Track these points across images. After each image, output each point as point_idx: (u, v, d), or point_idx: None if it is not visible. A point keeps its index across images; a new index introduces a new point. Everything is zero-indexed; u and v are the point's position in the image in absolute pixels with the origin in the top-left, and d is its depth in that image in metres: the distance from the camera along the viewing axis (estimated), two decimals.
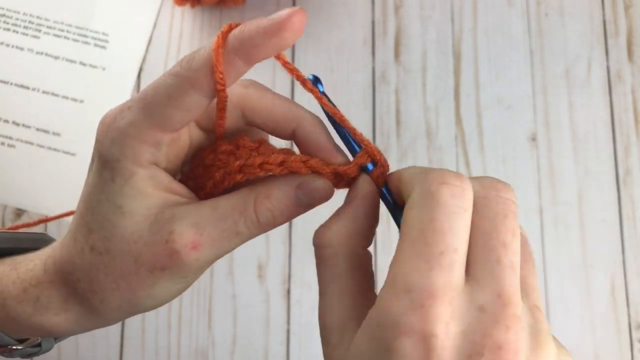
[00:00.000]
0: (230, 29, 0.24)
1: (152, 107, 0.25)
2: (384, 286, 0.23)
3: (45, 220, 0.46)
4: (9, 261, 0.30)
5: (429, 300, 0.21)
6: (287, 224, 0.54)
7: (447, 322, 0.21)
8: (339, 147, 0.28)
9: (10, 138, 0.55)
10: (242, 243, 0.27)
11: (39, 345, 0.31)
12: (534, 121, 0.58)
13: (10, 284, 0.29)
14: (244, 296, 0.53)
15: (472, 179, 0.24)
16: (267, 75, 0.58)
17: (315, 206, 0.27)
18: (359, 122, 0.57)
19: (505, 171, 0.57)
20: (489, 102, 0.58)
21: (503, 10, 0.60)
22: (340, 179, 0.28)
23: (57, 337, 0.33)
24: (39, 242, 0.32)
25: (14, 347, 0.30)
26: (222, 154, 0.27)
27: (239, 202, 0.26)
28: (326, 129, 0.29)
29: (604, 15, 0.60)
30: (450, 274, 0.22)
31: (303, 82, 0.27)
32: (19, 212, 0.54)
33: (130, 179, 0.25)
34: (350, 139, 0.28)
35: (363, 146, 0.28)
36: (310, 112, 0.28)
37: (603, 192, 0.57)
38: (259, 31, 0.24)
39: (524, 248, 0.24)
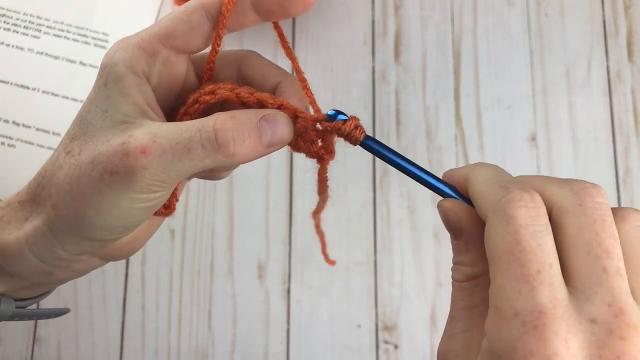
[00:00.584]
0: None
1: (162, 20, 0.27)
2: (489, 315, 0.23)
3: None
4: None
5: (541, 319, 0.21)
6: (287, 224, 0.54)
7: (565, 338, 0.21)
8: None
9: (11, 138, 0.55)
10: (195, 169, 0.26)
11: None
12: (534, 121, 0.58)
13: None
14: (244, 296, 0.54)
15: (559, 183, 0.24)
16: None
17: (274, 146, 0.27)
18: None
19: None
20: (488, 102, 0.58)
21: (503, 10, 0.60)
22: (301, 130, 0.28)
23: (18, 300, 0.31)
24: None
25: None
26: (202, 89, 0.28)
27: (203, 121, 0.26)
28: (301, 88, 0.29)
29: (603, 15, 0.60)
30: (553, 289, 0.21)
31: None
32: None
33: (120, 82, 0.26)
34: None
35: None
36: (291, 74, 0.30)
37: None
38: None
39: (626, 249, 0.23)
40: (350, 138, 0.28)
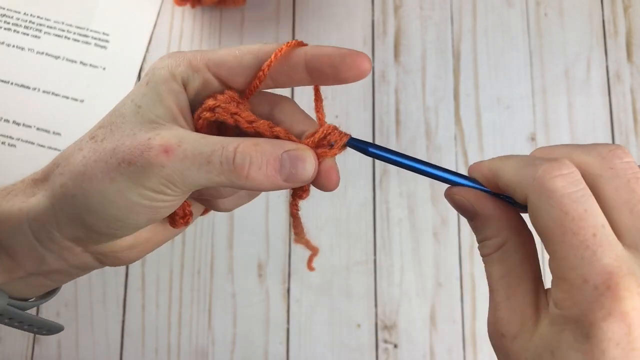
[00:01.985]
0: (299, 44, 0.28)
1: (220, 49, 0.29)
2: (555, 285, 0.24)
3: None
4: None
5: (612, 279, 0.22)
6: (287, 223, 0.55)
7: (638, 292, 0.22)
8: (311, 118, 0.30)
9: (11, 137, 0.56)
10: (209, 182, 0.26)
11: None
12: (533, 121, 0.58)
13: (3, 188, 0.30)
14: (244, 295, 0.54)
15: (585, 149, 0.25)
16: None
17: (293, 182, 0.27)
18: (359, 122, 0.57)
19: None
20: (488, 102, 0.58)
21: (502, 11, 0.60)
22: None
23: (15, 299, 0.31)
24: None
25: None
26: (209, 99, 0.29)
27: (227, 140, 0.26)
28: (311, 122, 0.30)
29: (603, 15, 0.60)
30: (613, 248, 0.22)
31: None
32: None
33: (160, 84, 0.27)
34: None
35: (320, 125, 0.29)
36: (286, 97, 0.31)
37: None
38: (336, 52, 0.28)
39: None
40: (334, 142, 0.28)
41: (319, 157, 0.28)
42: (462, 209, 0.28)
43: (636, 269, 0.22)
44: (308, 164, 0.27)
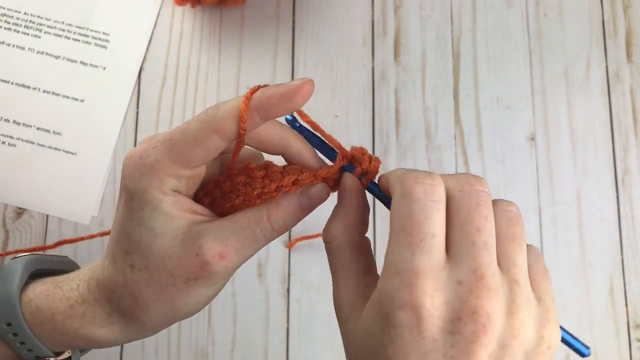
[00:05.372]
0: (255, 90, 0.30)
1: (178, 147, 0.29)
2: (382, 272, 0.28)
3: (63, 242, 0.50)
4: (51, 280, 0.34)
5: (414, 278, 0.26)
6: None
7: (431, 294, 0.26)
8: (321, 159, 0.34)
9: (11, 137, 0.56)
10: (260, 248, 0.31)
11: (69, 358, 0.35)
12: (533, 121, 0.58)
13: (57, 300, 0.33)
14: (244, 295, 0.54)
15: (448, 176, 0.29)
16: (267, 75, 0.58)
17: (315, 207, 0.32)
18: (359, 122, 0.57)
19: (504, 171, 0.57)
20: (488, 102, 0.58)
21: (502, 11, 0.60)
22: (328, 183, 0.33)
23: (84, 350, 0.37)
24: (69, 264, 0.38)
25: (50, 359, 0.34)
26: (240, 185, 0.32)
27: (254, 215, 0.31)
28: (311, 147, 0.34)
29: (602, 15, 0.60)
30: (430, 255, 0.26)
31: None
32: (20, 211, 0.54)
33: (157, 206, 0.30)
34: (329, 151, 0.34)
35: (338, 152, 0.33)
36: (297, 135, 0.33)
37: (602, 191, 0.57)
38: (277, 94, 0.29)
39: (511, 230, 0.28)
40: (364, 181, 0.33)
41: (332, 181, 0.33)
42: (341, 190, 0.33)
43: (441, 277, 0.26)
44: (320, 191, 0.32)
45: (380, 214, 0.55)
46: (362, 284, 0.30)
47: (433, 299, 0.26)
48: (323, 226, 0.33)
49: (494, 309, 0.25)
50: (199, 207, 0.31)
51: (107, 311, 0.32)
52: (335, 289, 0.31)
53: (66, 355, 0.35)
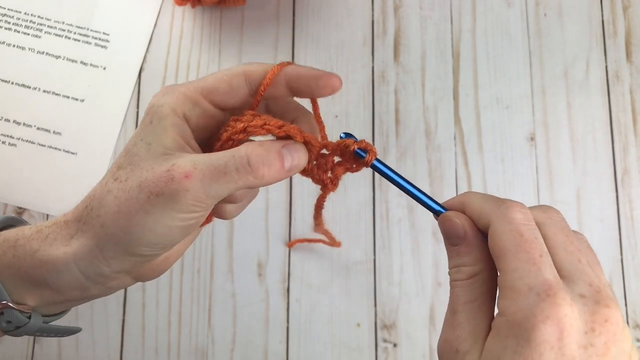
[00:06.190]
0: (286, 65, 0.32)
1: (205, 78, 0.32)
2: (502, 296, 0.28)
3: None
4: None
5: (551, 290, 0.27)
6: (287, 223, 0.55)
7: (570, 303, 0.26)
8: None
9: (12, 137, 0.56)
10: (229, 190, 0.30)
11: (29, 318, 0.33)
12: (533, 121, 0.58)
13: (27, 229, 0.33)
14: (244, 294, 0.54)
15: (535, 207, 0.31)
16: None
17: (292, 170, 0.32)
18: (359, 122, 0.57)
19: (504, 171, 0.57)
20: (487, 102, 0.58)
21: (502, 11, 0.60)
22: (325, 158, 0.33)
23: (46, 315, 0.34)
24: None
25: (6, 304, 0.32)
26: (231, 121, 0.32)
27: (235, 150, 0.30)
28: (317, 127, 0.35)
29: (602, 15, 0.60)
30: (552, 269, 0.28)
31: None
32: (20, 211, 0.54)
33: (163, 120, 0.31)
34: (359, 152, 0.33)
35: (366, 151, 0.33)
36: (308, 112, 0.35)
37: (601, 191, 0.57)
38: (310, 71, 0.31)
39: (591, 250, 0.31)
40: (363, 158, 0.33)
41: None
42: (454, 233, 0.32)
43: (568, 291, 0.27)
44: (302, 152, 0.32)
45: (380, 217, 0.55)
46: (488, 315, 0.30)
47: (572, 307, 0.26)
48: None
49: (620, 316, 0.27)
50: (195, 143, 0.32)
51: (71, 232, 0.31)
52: (460, 321, 0.30)
53: (26, 309, 0.33)
